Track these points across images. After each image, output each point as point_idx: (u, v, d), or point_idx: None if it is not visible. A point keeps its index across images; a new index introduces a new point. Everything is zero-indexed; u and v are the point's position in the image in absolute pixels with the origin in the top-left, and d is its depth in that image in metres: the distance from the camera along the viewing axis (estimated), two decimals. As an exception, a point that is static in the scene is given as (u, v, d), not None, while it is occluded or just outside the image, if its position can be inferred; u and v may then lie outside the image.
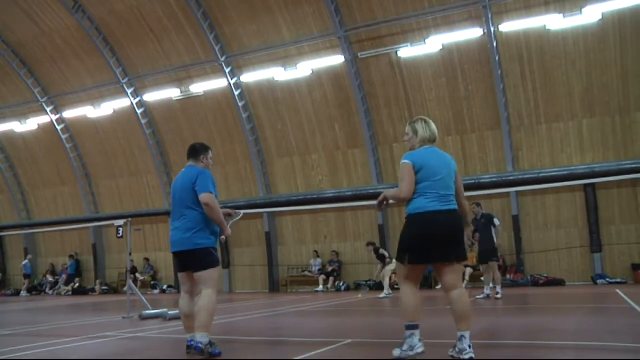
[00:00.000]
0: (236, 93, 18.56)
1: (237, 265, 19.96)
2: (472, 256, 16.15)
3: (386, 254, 14.46)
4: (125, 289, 14.81)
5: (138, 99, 20.30)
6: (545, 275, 15.67)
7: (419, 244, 4.79)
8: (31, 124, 22.63)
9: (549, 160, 15.92)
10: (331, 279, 17.78)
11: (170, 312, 9.39)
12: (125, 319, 9.94)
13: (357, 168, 18.07)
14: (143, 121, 20.27)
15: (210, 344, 5.31)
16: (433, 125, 5.09)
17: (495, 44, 15.53)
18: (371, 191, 16.24)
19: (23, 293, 22.50)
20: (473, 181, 15.47)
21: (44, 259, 24.19)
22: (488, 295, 11.76)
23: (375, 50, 16.87)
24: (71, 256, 22.67)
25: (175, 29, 18.73)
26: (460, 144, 16.78)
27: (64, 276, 22.56)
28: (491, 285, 12.01)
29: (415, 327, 4.77)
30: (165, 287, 20.54)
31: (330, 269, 17.98)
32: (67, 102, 21.79)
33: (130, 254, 11.52)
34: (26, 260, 23.05)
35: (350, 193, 17.03)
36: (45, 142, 22.78)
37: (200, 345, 5.24)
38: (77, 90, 21.32)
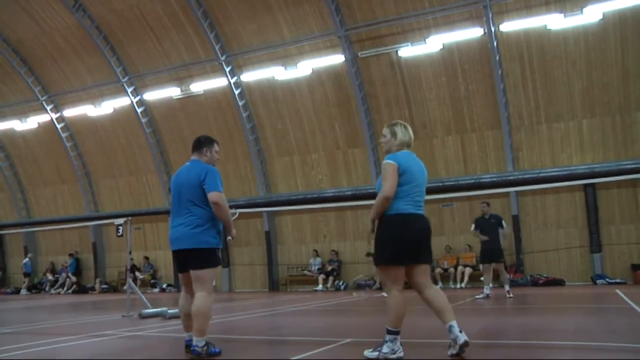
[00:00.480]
0: (236, 92, 18.56)
1: (236, 264, 19.97)
2: (472, 256, 16.20)
3: None
4: (125, 287, 14.83)
5: (138, 97, 20.30)
6: (545, 275, 15.66)
7: (402, 244, 4.88)
8: (31, 123, 22.62)
9: (549, 160, 15.92)
10: (330, 278, 17.78)
11: (169, 311, 9.39)
12: (125, 317, 9.95)
13: (357, 167, 18.07)
14: (143, 120, 20.27)
15: (208, 344, 5.30)
16: (411, 131, 5.24)
17: (495, 44, 15.52)
18: (371, 191, 16.22)
19: (23, 291, 22.52)
20: (473, 181, 15.48)
21: (44, 257, 24.18)
22: (487, 295, 11.77)
23: (375, 49, 16.86)
24: (71, 254, 22.66)
25: (175, 27, 18.72)
26: (460, 144, 16.78)
27: (64, 274, 22.55)
28: (491, 285, 12.05)
29: (398, 332, 4.87)
30: (164, 285, 20.54)
31: (329, 268, 17.98)
32: (67, 101, 21.79)
33: (130, 252, 11.53)
34: (26, 259, 23.07)
35: (350, 192, 17.04)
36: (46, 141, 22.78)
37: (196, 348, 5.23)
38: (77, 88, 21.31)
